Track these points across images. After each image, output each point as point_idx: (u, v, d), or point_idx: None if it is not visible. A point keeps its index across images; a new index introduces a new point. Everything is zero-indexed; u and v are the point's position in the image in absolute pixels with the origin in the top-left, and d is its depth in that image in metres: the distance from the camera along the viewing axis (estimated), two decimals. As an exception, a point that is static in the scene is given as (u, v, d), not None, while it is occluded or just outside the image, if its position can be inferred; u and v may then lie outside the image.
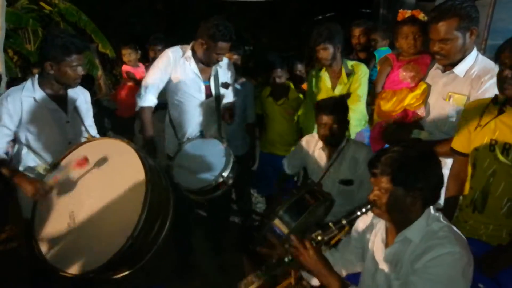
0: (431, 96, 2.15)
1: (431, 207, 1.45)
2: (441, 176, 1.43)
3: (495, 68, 1.86)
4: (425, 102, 2.18)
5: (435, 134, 2.09)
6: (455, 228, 1.42)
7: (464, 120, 1.82)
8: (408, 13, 2.26)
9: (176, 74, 2.58)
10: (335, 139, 2.43)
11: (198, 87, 2.63)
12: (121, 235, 1.67)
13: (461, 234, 1.42)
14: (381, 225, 1.58)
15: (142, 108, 2.56)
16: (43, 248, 1.88)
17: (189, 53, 2.58)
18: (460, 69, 1.98)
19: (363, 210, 1.47)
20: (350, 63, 2.99)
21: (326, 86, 3.03)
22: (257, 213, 4.04)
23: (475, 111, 1.76)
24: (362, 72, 2.94)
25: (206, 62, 2.58)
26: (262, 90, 3.35)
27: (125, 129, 5.22)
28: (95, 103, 4.15)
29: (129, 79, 4.53)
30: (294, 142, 3.21)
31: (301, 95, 3.16)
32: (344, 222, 1.48)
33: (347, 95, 2.90)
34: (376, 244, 1.57)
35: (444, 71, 2.08)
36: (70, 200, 1.92)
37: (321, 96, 3.02)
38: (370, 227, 1.64)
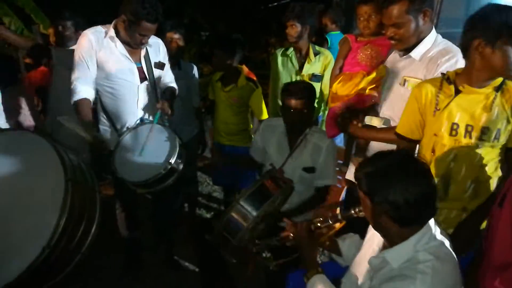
0: (388, 81, 2.09)
1: (431, 232, 1.31)
2: (410, 198, 1.21)
3: (455, 49, 1.84)
4: (380, 86, 2.12)
5: (394, 121, 2.01)
6: (442, 265, 1.26)
7: (415, 103, 1.74)
8: None
9: (102, 58, 2.29)
10: (304, 125, 2.36)
11: (129, 70, 2.36)
12: (35, 244, 1.42)
13: (447, 272, 1.27)
14: None
15: (77, 102, 2.24)
16: None
17: (112, 32, 2.30)
18: (416, 53, 1.93)
19: (357, 210, 1.48)
20: (316, 47, 3.16)
21: (294, 67, 3.13)
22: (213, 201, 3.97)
23: (428, 92, 1.70)
24: (330, 54, 3.13)
25: (128, 43, 2.31)
26: (213, 74, 3.21)
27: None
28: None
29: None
30: (239, 132, 3.12)
31: (251, 83, 3.03)
32: (339, 217, 1.56)
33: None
34: (371, 249, 1.51)
35: (402, 55, 2.03)
36: None
37: (288, 77, 3.12)
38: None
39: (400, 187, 1.21)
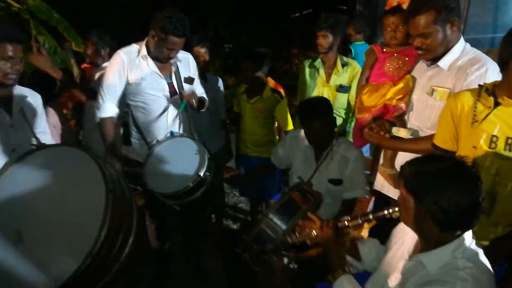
0: (416, 91, 2.07)
1: (469, 241, 1.30)
2: (462, 204, 1.21)
3: (484, 58, 1.81)
4: (408, 97, 2.10)
5: (423, 131, 2.00)
6: (481, 274, 1.25)
7: (449, 113, 1.70)
8: (395, 1, 2.14)
9: (134, 76, 2.38)
10: (328, 139, 2.36)
11: (160, 86, 2.44)
12: (78, 253, 1.48)
13: (485, 282, 1.24)
14: (413, 235, 1.46)
15: (103, 120, 2.37)
16: None
17: (144, 51, 2.39)
18: (444, 62, 1.91)
19: (390, 211, 1.46)
20: (344, 58, 3.19)
21: (321, 78, 3.14)
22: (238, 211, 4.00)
23: (464, 103, 1.65)
24: (358, 65, 3.11)
25: (157, 58, 2.39)
26: (238, 86, 3.26)
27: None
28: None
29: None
30: (265, 143, 3.15)
31: (276, 95, 3.06)
32: (370, 217, 1.55)
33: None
34: (400, 253, 1.49)
35: (429, 64, 2.01)
36: (16, 217, 1.68)
37: (316, 88, 3.14)
38: (403, 231, 1.55)
39: (454, 192, 1.20)
